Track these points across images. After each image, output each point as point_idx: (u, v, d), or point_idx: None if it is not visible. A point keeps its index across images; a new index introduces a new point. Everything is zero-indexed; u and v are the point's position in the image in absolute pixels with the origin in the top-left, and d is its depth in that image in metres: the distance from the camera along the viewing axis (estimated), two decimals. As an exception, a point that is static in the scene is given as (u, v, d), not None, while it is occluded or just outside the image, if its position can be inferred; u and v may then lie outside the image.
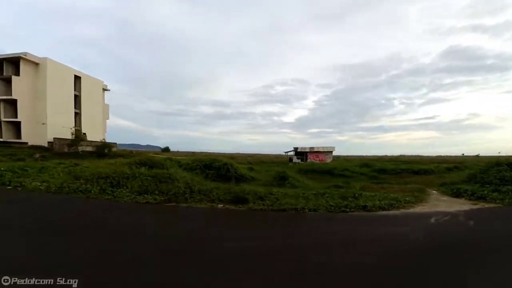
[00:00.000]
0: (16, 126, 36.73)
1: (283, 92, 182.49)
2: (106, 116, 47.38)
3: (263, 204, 7.32)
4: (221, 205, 7.28)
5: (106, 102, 47.44)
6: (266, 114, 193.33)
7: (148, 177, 8.91)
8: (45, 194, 8.16)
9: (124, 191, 8.12)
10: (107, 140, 44.49)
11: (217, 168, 17.44)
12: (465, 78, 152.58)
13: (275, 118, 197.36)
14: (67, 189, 8.31)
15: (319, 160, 38.41)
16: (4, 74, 35.63)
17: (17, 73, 35.24)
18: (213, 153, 70.44)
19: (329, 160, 38.43)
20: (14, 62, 35.98)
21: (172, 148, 79.91)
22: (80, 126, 41.57)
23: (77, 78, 40.95)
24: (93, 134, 41.86)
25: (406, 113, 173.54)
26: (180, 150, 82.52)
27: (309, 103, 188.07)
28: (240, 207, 7.18)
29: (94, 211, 6.58)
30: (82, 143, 38.33)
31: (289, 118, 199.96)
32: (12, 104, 36.29)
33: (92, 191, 8.12)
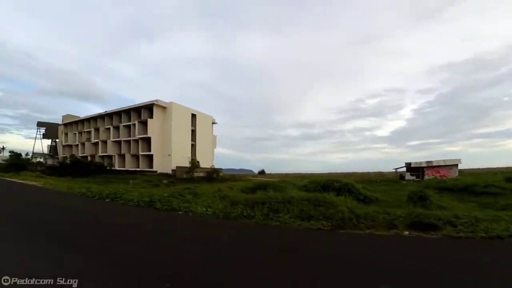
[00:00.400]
0: (149, 158, 44.58)
1: (375, 104, 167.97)
2: (214, 145, 52.96)
3: (460, 231, 6.07)
4: (407, 232, 6.37)
5: (214, 133, 53.25)
6: (356, 130, 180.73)
7: (303, 201, 8.79)
8: (216, 219, 8.84)
9: (285, 216, 8.13)
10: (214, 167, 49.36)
11: (337, 189, 16.50)
12: None
13: (367, 133, 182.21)
14: (234, 214, 8.87)
15: (440, 176, 32.58)
16: (142, 118, 44.45)
17: (151, 116, 43.36)
18: (304, 173, 69.37)
19: (454, 175, 32.21)
20: (149, 108, 44.54)
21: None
22: (195, 155, 47.47)
23: (193, 116, 47.65)
24: (204, 161, 47.05)
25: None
26: (272, 172, 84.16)
27: (407, 112, 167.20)
28: (432, 235, 6.12)
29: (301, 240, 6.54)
30: (197, 169, 43.56)
31: (383, 131, 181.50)
32: (146, 141, 44.53)
33: (256, 216, 8.41)
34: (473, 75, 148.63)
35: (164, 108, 44.44)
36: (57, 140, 69.36)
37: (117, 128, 48.91)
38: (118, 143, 48.73)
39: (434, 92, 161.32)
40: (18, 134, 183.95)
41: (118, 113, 49.08)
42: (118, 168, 46.19)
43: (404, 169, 37.61)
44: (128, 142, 46.94)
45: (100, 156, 51.25)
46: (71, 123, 61.10)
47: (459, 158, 35.26)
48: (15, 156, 79.51)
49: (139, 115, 45.33)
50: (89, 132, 55.37)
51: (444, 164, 34.03)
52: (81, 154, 54.98)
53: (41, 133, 69.39)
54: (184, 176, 42.17)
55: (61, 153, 62.95)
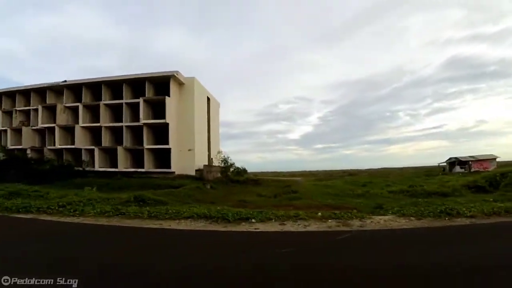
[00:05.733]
0: (159, 154, 30.00)
1: (287, 110, 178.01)
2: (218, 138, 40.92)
3: None
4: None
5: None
6: (271, 132, 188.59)
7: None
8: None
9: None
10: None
11: None
12: (469, 86, 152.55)
13: (280, 135, 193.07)
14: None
15: (483, 168, 33.53)
16: (147, 95, 28.95)
17: (166, 94, 28.69)
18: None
19: (493, 167, 33.49)
20: (156, 82, 29.50)
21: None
22: (209, 150, 35.10)
23: (207, 100, 34.64)
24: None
25: (412, 124, 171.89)
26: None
27: (313, 119, 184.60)
28: None
29: None
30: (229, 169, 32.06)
31: (294, 135, 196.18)
32: (154, 129, 29.83)
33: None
34: (365, 92, 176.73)
35: (181, 85, 30.23)
36: None
37: (92, 107, 31.04)
38: (96, 130, 31.16)
39: (335, 103, 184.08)
40: None
41: (95, 86, 31.05)
42: (99, 169, 29.39)
43: (445, 164, 38.05)
44: (118, 129, 30.42)
45: (51, 149, 31.80)
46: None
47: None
48: None
49: (140, 92, 29.38)
50: (27, 112, 33.97)
51: (485, 158, 35.35)
52: (11, 146, 33.28)
53: None
54: (212, 177, 29.89)
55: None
